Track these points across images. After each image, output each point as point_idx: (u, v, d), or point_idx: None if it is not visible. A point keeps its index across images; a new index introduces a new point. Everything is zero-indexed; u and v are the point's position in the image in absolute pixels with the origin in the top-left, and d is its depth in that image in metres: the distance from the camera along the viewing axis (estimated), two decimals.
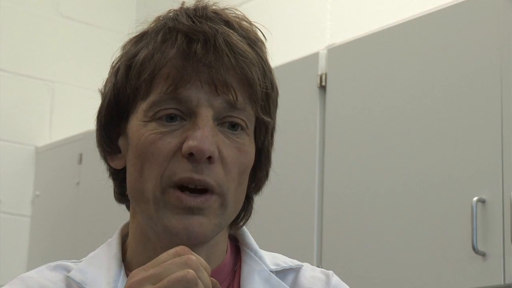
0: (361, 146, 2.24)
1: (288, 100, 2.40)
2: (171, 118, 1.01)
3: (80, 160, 3.10)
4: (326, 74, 2.36)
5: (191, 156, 0.99)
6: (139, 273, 0.89)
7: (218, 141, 1.00)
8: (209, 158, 0.99)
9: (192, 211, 1.00)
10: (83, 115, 2.98)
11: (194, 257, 0.88)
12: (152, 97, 1.02)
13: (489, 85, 1.98)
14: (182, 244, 0.98)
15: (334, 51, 2.38)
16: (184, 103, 1.01)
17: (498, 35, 1.98)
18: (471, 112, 2.01)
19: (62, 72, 3.46)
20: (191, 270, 0.87)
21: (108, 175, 1.10)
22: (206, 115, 1.00)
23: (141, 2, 3.50)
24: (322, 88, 2.36)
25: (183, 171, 0.99)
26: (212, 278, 0.89)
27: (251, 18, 1.09)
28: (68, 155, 3.18)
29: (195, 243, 1.00)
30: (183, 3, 1.07)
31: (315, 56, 2.39)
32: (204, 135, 0.99)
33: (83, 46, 3.49)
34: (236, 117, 1.02)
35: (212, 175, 1.00)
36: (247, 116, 1.03)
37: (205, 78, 1.00)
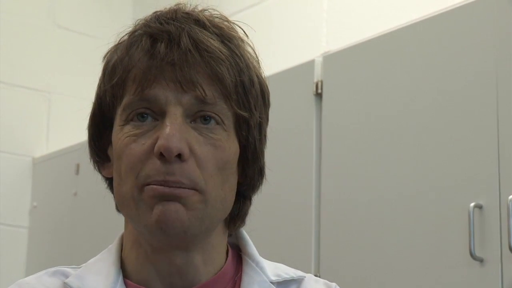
0: (357, 153, 2.24)
1: (284, 108, 2.40)
2: (142, 117, 1.02)
3: (77, 171, 3.10)
4: (322, 82, 2.36)
5: (162, 156, 0.99)
6: None
7: (190, 138, 1.00)
8: (179, 156, 0.99)
9: (167, 197, 0.99)
10: (80, 126, 2.96)
11: None
12: (124, 101, 1.03)
13: (485, 91, 1.98)
14: (163, 237, 0.99)
15: (330, 58, 2.38)
16: (153, 103, 1.01)
17: (493, 41, 1.98)
18: (468, 118, 2.01)
19: (59, 83, 3.47)
20: None
21: (105, 186, 1.10)
22: (174, 113, 1.00)
23: (137, 12, 3.51)
24: (318, 95, 2.36)
25: (157, 173, 0.99)
26: None
27: (247, 26, 1.10)
28: (65, 165, 3.19)
29: (174, 232, 0.99)
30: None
31: (310, 64, 2.40)
32: (171, 133, 0.99)
33: (79, 56, 3.50)
34: (208, 111, 1.02)
35: (185, 174, 0.99)
36: (220, 111, 1.02)
37: (169, 76, 1.00)
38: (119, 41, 1.06)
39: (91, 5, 3.61)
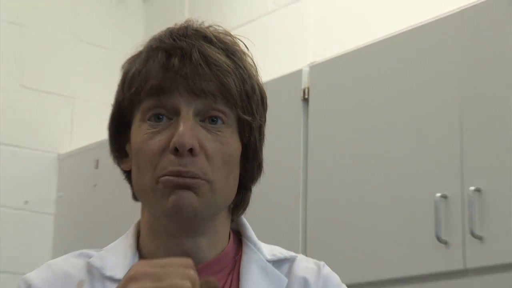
0: (342, 153, 2.28)
1: (275, 112, 2.38)
2: (158, 118, 1.08)
3: (96, 165, 3.18)
4: (308, 88, 2.39)
5: (176, 151, 1.05)
6: (145, 266, 0.93)
7: (199, 135, 1.07)
8: (191, 151, 1.05)
9: (181, 186, 1.06)
10: (99, 126, 2.79)
11: (194, 273, 0.92)
12: (142, 106, 1.09)
13: (448, 87, 2.03)
14: (177, 220, 1.07)
15: (316, 68, 2.41)
16: (168, 107, 1.08)
17: (469, 50, 2.04)
18: (431, 118, 2.06)
19: (80, 89, 3.52)
20: (189, 283, 0.91)
21: (123, 178, 1.16)
22: (187, 112, 1.07)
23: (148, 26, 3.60)
24: (305, 100, 2.39)
25: (171, 164, 1.06)
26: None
27: (247, 39, 1.16)
28: (86, 161, 3.25)
29: (187, 216, 1.06)
30: (175, 24, 1.14)
31: (298, 73, 2.43)
32: (184, 131, 1.05)
33: (97, 66, 3.55)
34: (216, 111, 1.08)
35: (197, 166, 1.06)
36: (226, 114, 1.09)
37: (183, 88, 1.07)
38: (136, 52, 1.12)
39: (107, 21, 3.64)
